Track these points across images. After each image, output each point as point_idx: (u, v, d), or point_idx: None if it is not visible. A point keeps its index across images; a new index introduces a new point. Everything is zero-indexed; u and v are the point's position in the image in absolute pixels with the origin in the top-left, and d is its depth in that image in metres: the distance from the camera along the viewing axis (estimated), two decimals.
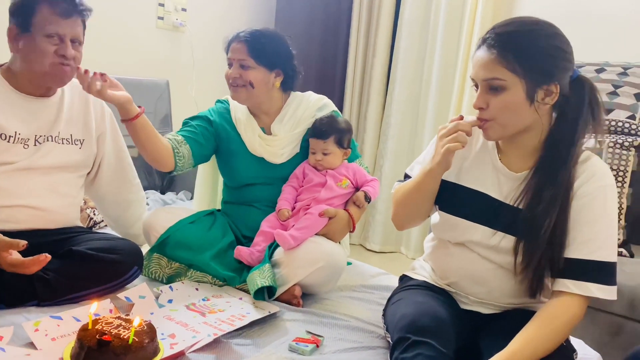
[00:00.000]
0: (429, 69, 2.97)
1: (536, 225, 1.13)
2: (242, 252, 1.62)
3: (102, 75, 1.43)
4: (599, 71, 2.12)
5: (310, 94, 1.83)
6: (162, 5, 2.87)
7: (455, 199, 1.26)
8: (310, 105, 1.78)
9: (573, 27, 2.43)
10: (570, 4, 2.47)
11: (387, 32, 3.14)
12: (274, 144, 1.73)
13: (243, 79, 1.66)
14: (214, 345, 1.24)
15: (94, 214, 2.07)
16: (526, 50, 1.09)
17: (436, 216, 1.35)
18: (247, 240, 1.72)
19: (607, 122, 2.00)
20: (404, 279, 1.45)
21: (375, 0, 3.18)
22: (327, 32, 3.27)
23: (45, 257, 1.31)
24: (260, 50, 1.65)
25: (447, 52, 2.87)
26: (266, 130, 1.77)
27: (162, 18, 2.88)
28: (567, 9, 2.48)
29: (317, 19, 3.25)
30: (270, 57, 1.67)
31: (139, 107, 1.52)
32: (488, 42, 1.12)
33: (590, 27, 2.40)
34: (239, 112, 1.78)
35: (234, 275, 1.61)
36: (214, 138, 1.76)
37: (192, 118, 1.78)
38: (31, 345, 1.17)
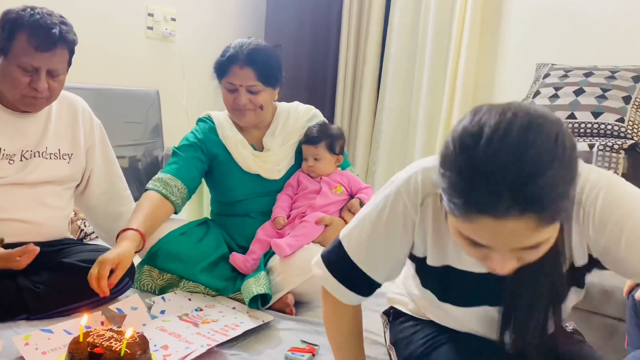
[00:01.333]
0: (420, 75, 2.98)
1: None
2: (236, 260, 1.61)
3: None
4: (587, 75, 2.14)
5: (297, 105, 1.81)
6: (151, 15, 2.86)
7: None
8: (300, 116, 1.76)
9: (561, 32, 2.47)
10: (557, 8, 2.49)
11: (377, 39, 3.15)
12: (269, 160, 1.70)
13: (253, 103, 1.62)
14: (207, 356, 1.23)
15: (85, 225, 2.05)
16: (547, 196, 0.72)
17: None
18: (243, 250, 1.69)
19: (596, 125, 2.01)
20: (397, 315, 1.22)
21: (364, 7, 3.19)
22: (317, 39, 3.28)
23: (34, 248, 1.29)
24: (268, 72, 1.60)
25: (437, 58, 2.88)
26: (256, 146, 1.73)
27: (151, 28, 2.88)
28: (554, 14, 2.50)
29: (306, 26, 3.26)
30: (276, 75, 1.64)
31: (131, 229, 1.45)
32: (509, 205, 0.71)
33: (578, 31, 2.42)
34: (227, 130, 1.72)
35: (226, 285, 1.60)
36: (206, 164, 1.71)
37: (181, 147, 1.70)
38: (21, 359, 1.15)
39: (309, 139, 1.68)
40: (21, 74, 1.39)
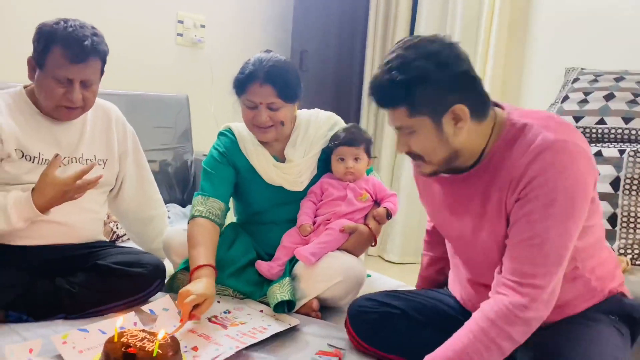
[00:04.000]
0: None
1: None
2: (261, 267, 1.63)
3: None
4: (618, 79, 2.11)
5: (317, 112, 1.79)
6: (181, 22, 2.93)
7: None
8: (321, 124, 1.74)
9: (591, 35, 2.44)
10: (587, 12, 2.46)
11: None
12: (291, 172, 1.70)
13: (274, 120, 1.61)
14: (235, 358, 1.25)
15: (117, 228, 2.11)
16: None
17: None
18: (270, 257, 1.69)
19: (627, 131, 1.98)
20: None
21: (390, 13, 3.20)
22: (343, 44, 3.30)
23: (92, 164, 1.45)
24: (287, 89, 1.59)
25: None
26: (278, 157, 1.72)
27: (181, 35, 2.94)
28: (584, 17, 2.47)
29: (332, 31, 3.28)
30: (295, 91, 1.63)
31: (206, 266, 1.49)
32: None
33: (609, 35, 2.38)
34: (248, 142, 1.71)
35: (253, 290, 1.63)
36: (234, 177, 1.72)
37: (210, 164, 1.71)
38: (59, 357, 1.20)
39: (349, 141, 1.66)
40: (56, 85, 1.44)
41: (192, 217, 1.61)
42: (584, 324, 1.14)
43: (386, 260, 3.28)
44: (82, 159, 1.58)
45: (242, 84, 1.60)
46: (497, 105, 1.18)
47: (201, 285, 1.39)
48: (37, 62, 1.45)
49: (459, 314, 1.30)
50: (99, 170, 1.60)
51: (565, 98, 2.20)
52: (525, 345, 1.08)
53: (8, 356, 1.14)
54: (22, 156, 1.47)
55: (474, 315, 1.08)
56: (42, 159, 1.50)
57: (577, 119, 2.09)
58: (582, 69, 2.28)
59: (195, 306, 1.35)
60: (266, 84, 1.57)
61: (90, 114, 1.62)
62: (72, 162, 1.56)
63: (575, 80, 2.24)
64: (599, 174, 1.15)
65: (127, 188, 1.74)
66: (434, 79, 1.05)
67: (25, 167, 1.47)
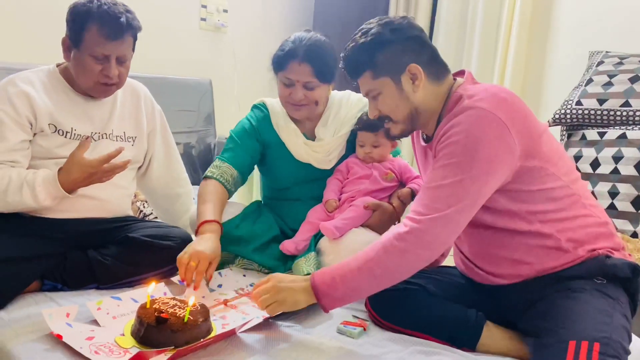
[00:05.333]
0: (467, 63, 2.95)
1: None
2: (287, 246, 1.65)
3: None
4: None
5: (349, 94, 1.81)
6: (204, 7, 2.96)
7: None
8: (352, 106, 1.76)
9: (616, 19, 2.41)
10: None
11: (424, 28, 3.14)
12: (320, 150, 1.72)
13: (308, 99, 1.64)
14: (263, 326, 1.29)
15: (144, 207, 2.16)
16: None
17: None
18: (294, 234, 1.72)
19: None
20: None
21: (411, 1, 3.19)
22: None
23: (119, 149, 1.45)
24: (325, 69, 1.61)
25: (486, 46, 2.85)
26: (308, 135, 1.75)
27: (204, 19, 2.98)
28: (610, 2, 2.44)
29: (354, 19, 3.27)
30: (332, 72, 1.64)
31: (211, 221, 1.53)
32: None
33: (634, 19, 2.36)
34: (280, 119, 1.75)
35: (278, 264, 1.66)
36: (259, 151, 1.76)
37: (238, 133, 1.75)
38: (94, 322, 1.25)
39: (367, 126, 1.67)
40: (94, 63, 1.48)
41: (205, 177, 1.68)
42: (566, 296, 1.17)
43: None
44: (112, 135, 1.62)
45: (281, 61, 1.62)
46: (460, 76, 1.33)
47: (208, 245, 1.43)
48: (73, 42, 1.48)
49: (470, 286, 1.36)
50: (127, 153, 1.62)
51: (589, 81, 2.18)
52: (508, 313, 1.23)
53: (47, 319, 1.19)
54: (55, 130, 1.52)
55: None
56: (75, 134, 1.55)
57: (601, 101, 2.08)
58: (606, 52, 2.26)
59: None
60: (304, 63, 1.59)
61: (120, 92, 1.66)
62: (102, 137, 1.60)
63: (600, 63, 2.22)
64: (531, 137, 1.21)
65: (155, 166, 1.78)
66: (389, 41, 1.27)
67: (58, 141, 1.52)
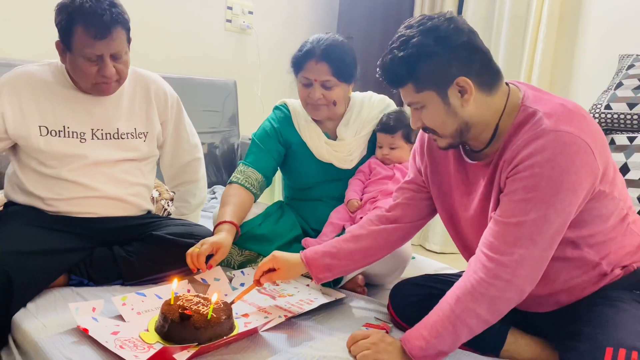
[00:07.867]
0: None
1: None
2: (309, 243, 1.66)
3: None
4: None
5: (371, 95, 1.81)
6: (230, 8, 2.99)
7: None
8: (374, 106, 1.77)
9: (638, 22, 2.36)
10: None
11: None
12: (342, 149, 1.73)
13: (327, 99, 1.65)
14: (285, 325, 1.29)
15: (168, 205, 2.18)
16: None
17: None
18: (316, 233, 1.75)
19: None
20: None
21: (437, 2, 3.17)
22: (388, 33, 3.24)
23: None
24: (343, 68, 1.62)
25: (512, 48, 2.82)
26: (330, 135, 1.76)
27: (230, 21, 3.00)
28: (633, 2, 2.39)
29: (378, 20, 3.28)
30: (351, 71, 1.66)
31: (227, 222, 1.57)
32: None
33: None
34: (302, 119, 1.76)
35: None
36: (282, 153, 1.78)
37: (260, 137, 1.77)
38: (119, 317, 1.26)
39: (385, 127, 1.69)
40: (88, 64, 1.43)
41: (230, 182, 1.71)
42: (603, 303, 1.13)
43: (427, 250, 3.27)
44: (117, 134, 1.59)
45: (299, 61, 1.65)
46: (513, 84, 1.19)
47: (217, 237, 1.48)
48: (65, 45, 1.46)
49: None
50: (141, 149, 1.63)
51: (619, 85, 2.14)
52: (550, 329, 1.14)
53: (73, 312, 1.21)
54: (47, 132, 1.49)
55: (447, 292, 1.11)
56: (68, 131, 1.51)
57: (631, 105, 2.04)
58: (637, 55, 2.22)
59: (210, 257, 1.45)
60: (322, 62, 1.61)
61: (128, 87, 1.62)
62: (106, 137, 1.57)
63: (630, 66, 2.18)
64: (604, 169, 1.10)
65: (164, 152, 1.77)
66: (433, 53, 1.09)
67: (53, 142, 1.50)
